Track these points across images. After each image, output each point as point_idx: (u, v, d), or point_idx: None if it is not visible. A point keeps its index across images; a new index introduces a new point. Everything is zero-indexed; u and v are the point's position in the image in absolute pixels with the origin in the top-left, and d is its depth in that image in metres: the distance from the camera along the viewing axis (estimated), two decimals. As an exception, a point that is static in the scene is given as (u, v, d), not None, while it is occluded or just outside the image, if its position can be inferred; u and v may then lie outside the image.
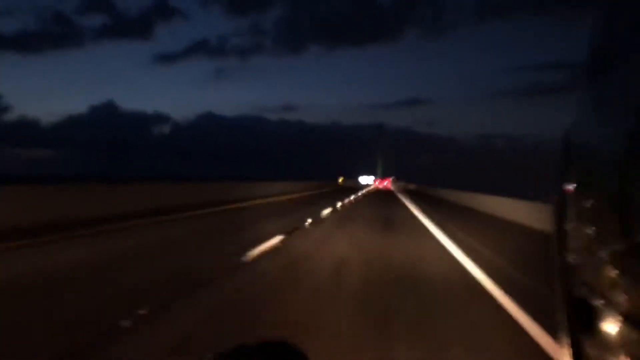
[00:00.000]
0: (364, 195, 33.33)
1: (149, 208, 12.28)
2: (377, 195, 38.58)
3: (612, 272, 0.97)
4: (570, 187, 1.18)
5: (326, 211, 15.39)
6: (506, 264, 6.61)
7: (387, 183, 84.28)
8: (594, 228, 1.06)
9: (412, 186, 74.30)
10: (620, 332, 0.90)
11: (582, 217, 1.10)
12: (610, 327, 0.96)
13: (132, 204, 12.21)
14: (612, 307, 0.93)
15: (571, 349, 1.16)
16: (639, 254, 0.87)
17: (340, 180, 40.47)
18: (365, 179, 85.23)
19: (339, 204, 19.62)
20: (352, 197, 27.61)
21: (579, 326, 1.11)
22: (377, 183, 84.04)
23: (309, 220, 11.70)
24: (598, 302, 1.02)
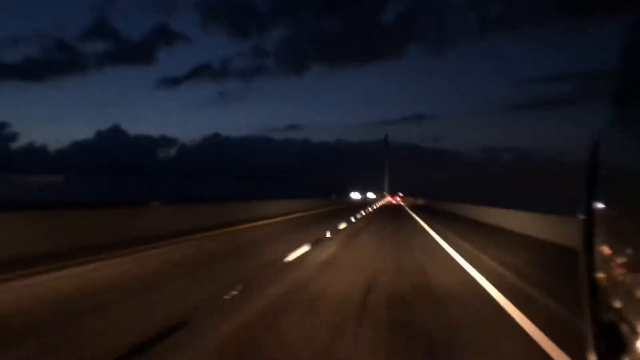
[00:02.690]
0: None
1: (201, 225, 15.34)
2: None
3: None
4: (600, 205, 1.13)
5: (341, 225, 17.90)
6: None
7: (399, 199, 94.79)
8: (627, 252, 1.03)
9: (420, 201, 73.64)
10: None
11: (612, 240, 1.05)
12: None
13: (185, 223, 15.08)
14: None
15: None
16: None
17: None
18: (356, 195, 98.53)
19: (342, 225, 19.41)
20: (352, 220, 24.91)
21: (608, 354, 1.09)
22: (389, 198, 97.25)
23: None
24: (628, 330, 0.98)
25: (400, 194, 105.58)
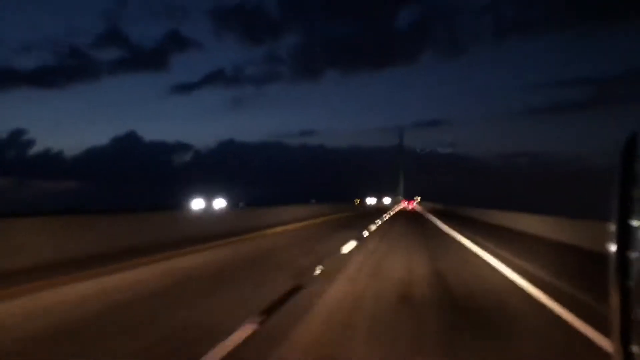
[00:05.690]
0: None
1: (243, 228, 15.88)
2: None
3: None
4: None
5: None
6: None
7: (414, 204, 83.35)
8: None
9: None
10: None
11: None
12: None
13: (228, 226, 15.83)
14: None
15: None
16: None
17: None
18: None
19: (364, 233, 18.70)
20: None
21: None
22: (404, 204, 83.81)
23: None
24: None
25: (418, 198, 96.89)
